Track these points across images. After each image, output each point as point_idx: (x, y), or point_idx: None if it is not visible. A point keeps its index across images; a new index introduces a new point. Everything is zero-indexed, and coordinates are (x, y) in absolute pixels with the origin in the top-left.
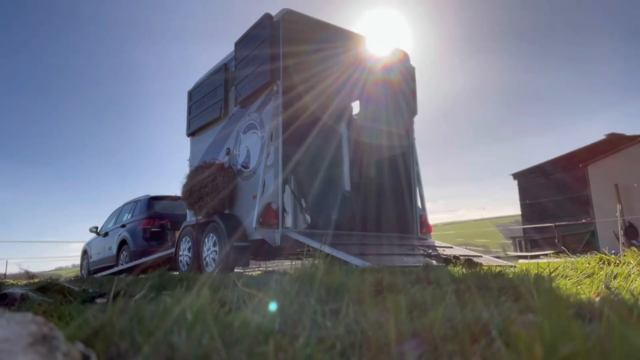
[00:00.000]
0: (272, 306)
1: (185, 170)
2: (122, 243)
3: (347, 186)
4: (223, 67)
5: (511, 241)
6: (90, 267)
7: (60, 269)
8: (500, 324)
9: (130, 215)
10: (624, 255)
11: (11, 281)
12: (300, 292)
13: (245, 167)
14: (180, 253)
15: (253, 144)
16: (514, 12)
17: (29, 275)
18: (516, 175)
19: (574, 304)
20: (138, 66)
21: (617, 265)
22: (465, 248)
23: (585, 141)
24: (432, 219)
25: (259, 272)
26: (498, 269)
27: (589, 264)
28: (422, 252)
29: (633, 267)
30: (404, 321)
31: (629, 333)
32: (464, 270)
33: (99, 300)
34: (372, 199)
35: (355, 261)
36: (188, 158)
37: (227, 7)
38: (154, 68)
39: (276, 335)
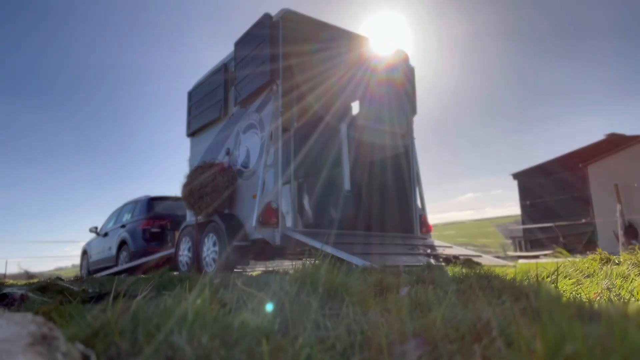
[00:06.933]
0: (272, 306)
1: (185, 170)
2: (122, 243)
3: (347, 185)
4: (223, 67)
5: (511, 241)
6: (90, 268)
7: (60, 269)
8: (501, 323)
9: (130, 216)
10: (623, 255)
11: (11, 281)
12: (300, 292)
13: (245, 167)
14: (180, 253)
15: (253, 143)
16: (514, 11)
17: (28, 275)
18: (516, 175)
19: (574, 304)
20: (138, 66)
21: (617, 265)
22: (465, 248)
23: (585, 141)
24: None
25: (259, 272)
26: (498, 268)
27: (589, 264)
28: (422, 251)
29: (632, 268)
30: (405, 321)
31: (630, 332)
32: (464, 270)
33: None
34: (374, 199)
35: (356, 261)
36: (188, 158)
37: (227, 7)
38: (153, 68)
39: (276, 335)
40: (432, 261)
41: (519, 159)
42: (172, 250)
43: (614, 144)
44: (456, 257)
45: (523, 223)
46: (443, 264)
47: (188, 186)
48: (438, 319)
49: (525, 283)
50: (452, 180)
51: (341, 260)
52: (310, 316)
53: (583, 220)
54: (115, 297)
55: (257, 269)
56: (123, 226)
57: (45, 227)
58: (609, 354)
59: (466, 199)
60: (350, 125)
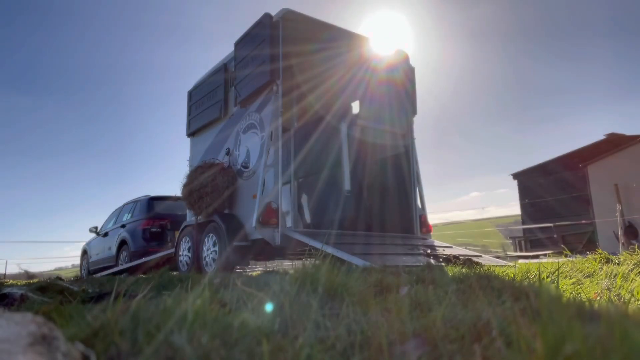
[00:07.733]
0: (272, 306)
1: (185, 170)
2: (122, 243)
3: (348, 186)
4: (223, 67)
5: (511, 241)
6: (90, 267)
7: (60, 269)
8: (501, 323)
9: (130, 216)
10: (623, 255)
11: (11, 281)
12: (300, 292)
13: (245, 167)
14: (180, 253)
15: (253, 143)
16: (514, 11)
17: (28, 275)
18: (516, 175)
19: (574, 304)
20: (138, 66)
21: (617, 265)
22: (465, 248)
23: (585, 141)
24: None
25: (259, 272)
26: (498, 269)
27: (589, 264)
28: (422, 252)
29: (632, 268)
30: (405, 321)
31: (630, 332)
32: (464, 270)
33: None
34: (374, 199)
35: (356, 261)
36: (188, 158)
37: (228, 7)
38: (153, 68)
39: (276, 335)
40: (432, 261)
41: (523, 158)
42: (172, 250)
43: (614, 144)
44: (456, 257)
45: (523, 223)
46: (443, 264)
47: (188, 186)
48: (438, 319)
49: (525, 283)
50: (457, 180)
51: (341, 261)
52: (310, 316)
53: (583, 221)
54: (115, 297)
55: (257, 269)
56: (123, 226)
57: (45, 227)
58: (609, 354)
59: (470, 198)
60: (350, 125)
